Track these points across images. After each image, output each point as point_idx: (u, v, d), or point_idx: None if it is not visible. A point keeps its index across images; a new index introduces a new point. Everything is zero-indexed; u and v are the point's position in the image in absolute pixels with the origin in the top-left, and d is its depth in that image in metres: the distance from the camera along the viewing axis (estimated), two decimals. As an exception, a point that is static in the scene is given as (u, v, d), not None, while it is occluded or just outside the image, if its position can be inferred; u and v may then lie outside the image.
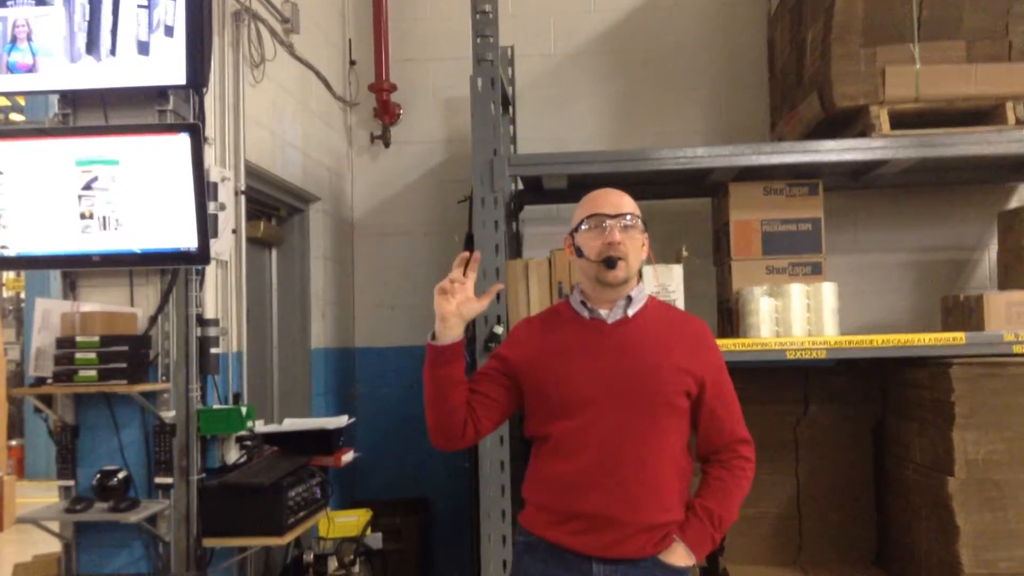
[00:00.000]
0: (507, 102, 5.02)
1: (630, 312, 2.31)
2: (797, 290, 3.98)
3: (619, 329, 2.30)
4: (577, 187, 4.69)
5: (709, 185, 4.57)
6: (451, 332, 2.21)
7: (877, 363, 4.34)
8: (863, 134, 4.03)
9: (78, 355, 3.08)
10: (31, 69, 3.16)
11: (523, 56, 5.30)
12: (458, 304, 2.18)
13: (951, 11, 4.00)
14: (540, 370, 2.29)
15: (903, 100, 3.98)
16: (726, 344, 3.93)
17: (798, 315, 3.96)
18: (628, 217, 2.27)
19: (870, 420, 4.44)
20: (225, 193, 3.46)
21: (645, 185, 4.71)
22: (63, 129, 3.22)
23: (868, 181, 4.69)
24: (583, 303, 2.33)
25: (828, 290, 4.00)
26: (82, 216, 3.13)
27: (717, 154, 4.09)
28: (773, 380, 4.42)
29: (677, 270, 4.00)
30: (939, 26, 4.00)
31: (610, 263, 2.24)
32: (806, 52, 4.38)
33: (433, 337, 2.23)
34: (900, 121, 3.99)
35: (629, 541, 2.20)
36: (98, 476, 3.14)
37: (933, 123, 4.03)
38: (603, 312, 2.31)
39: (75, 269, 3.26)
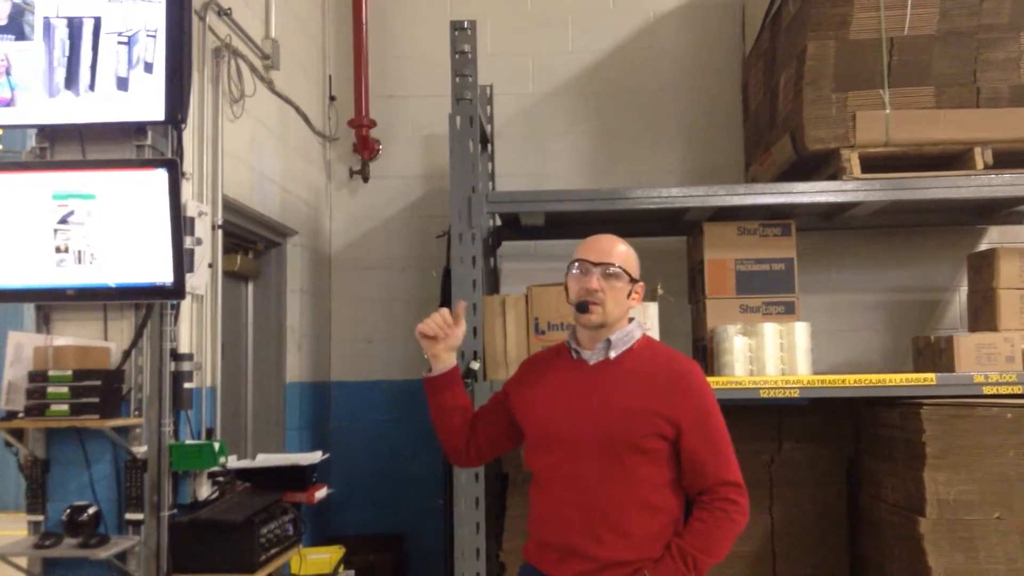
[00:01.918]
0: (486, 139, 5.07)
1: (612, 354, 2.36)
2: (771, 329, 4.02)
3: (599, 371, 2.35)
4: (555, 224, 4.75)
5: (684, 224, 4.63)
6: (442, 363, 2.46)
7: (850, 402, 4.38)
8: (835, 176, 4.10)
9: (50, 389, 3.04)
10: (9, 103, 3.15)
11: (502, 95, 5.36)
12: (444, 342, 2.42)
13: (920, 57, 4.09)
14: (527, 405, 2.42)
15: (873, 144, 4.06)
16: (700, 382, 3.95)
17: (772, 354, 4.00)
18: (612, 267, 2.33)
19: (843, 459, 4.47)
20: (202, 228, 3.46)
21: (621, 223, 4.73)
22: (40, 163, 3.21)
23: (840, 222, 4.77)
24: (567, 343, 2.43)
25: (801, 329, 4.04)
26: (57, 250, 3.12)
27: (692, 194, 4.15)
28: (747, 419, 4.44)
29: (652, 308, 4.04)
30: (908, 72, 4.09)
31: (581, 308, 2.32)
32: (779, 96, 4.46)
33: (428, 370, 2.47)
34: (871, 164, 4.07)
35: (599, 574, 2.26)
36: (68, 511, 3.09)
37: (903, 167, 4.11)
38: (586, 353, 2.38)
39: (49, 303, 3.24)
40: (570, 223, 4.70)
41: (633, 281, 2.36)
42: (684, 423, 2.28)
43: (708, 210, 4.29)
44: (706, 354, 4.28)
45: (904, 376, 3.90)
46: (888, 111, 4.05)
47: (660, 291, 4.21)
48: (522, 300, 4.06)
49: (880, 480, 4.15)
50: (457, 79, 4.04)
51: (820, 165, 4.28)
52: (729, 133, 5.39)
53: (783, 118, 4.40)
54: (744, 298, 4.26)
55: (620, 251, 2.37)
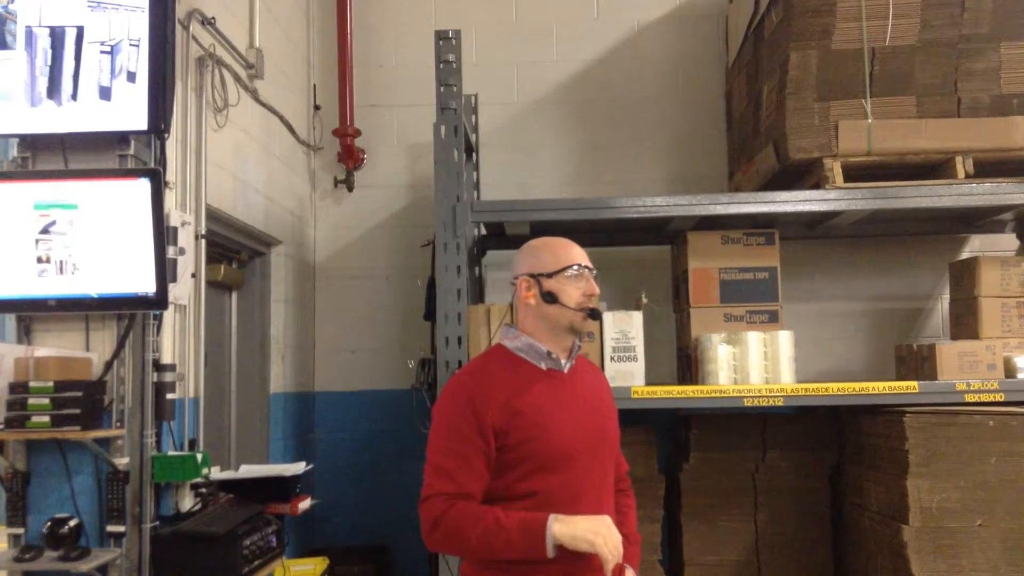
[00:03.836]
0: (470, 149, 5.07)
1: (573, 361, 2.33)
2: (754, 338, 4.04)
3: (573, 378, 2.30)
4: (540, 233, 4.71)
5: (668, 233, 4.64)
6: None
7: (833, 410, 4.40)
8: (817, 186, 4.12)
9: (31, 400, 3.02)
10: (-9, 112, 3.14)
11: (486, 104, 5.37)
12: None
13: (902, 67, 4.12)
14: (519, 427, 2.15)
15: (856, 153, 4.09)
16: (685, 391, 3.97)
17: (755, 362, 4.02)
18: (593, 269, 2.31)
19: (827, 467, 4.49)
20: (185, 237, 3.45)
21: (606, 232, 4.78)
22: (22, 173, 3.19)
23: (823, 231, 4.79)
24: (549, 353, 2.26)
25: (785, 338, 4.06)
26: (39, 260, 3.10)
27: (676, 203, 4.15)
28: (731, 427, 4.46)
29: (637, 317, 4.05)
30: (890, 82, 4.12)
31: (596, 315, 2.25)
32: (762, 105, 4.48)
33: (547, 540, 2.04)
34: (853, 173, 4.09)
35: None
36: (49, 524, 3.07)
37: (885, 176, 4.13)
38: (563, 361, 2.29)
39: (30, 313, 3.22)
40: (555, 232, 4.68)
41: None
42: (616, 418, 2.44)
43: (692, 219, 4.30)
44: (690, 363, 4.29)
45: (887, 384, 3.92)
46: (870, 120, 4.08)
47: (644, 300, 4.22)
48: (507, 309, 4.05)
49: (863, 488, 4.16)
50: (442, 88, 4.06)
51: (803, 174, 4.30)
52: (713, 142, 5.41)
53: (766, 127, 4.42)
54: (728, 307, 4.28)
55: None
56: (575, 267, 2.25)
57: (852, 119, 4.09)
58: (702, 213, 4.12)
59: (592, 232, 4.74)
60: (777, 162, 4.24)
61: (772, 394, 3.90)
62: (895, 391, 3.89)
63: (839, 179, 4.05)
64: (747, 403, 3.90)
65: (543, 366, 2.27)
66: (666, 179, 5.42)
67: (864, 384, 3.93)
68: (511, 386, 2.19)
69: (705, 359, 4.09)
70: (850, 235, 4.95)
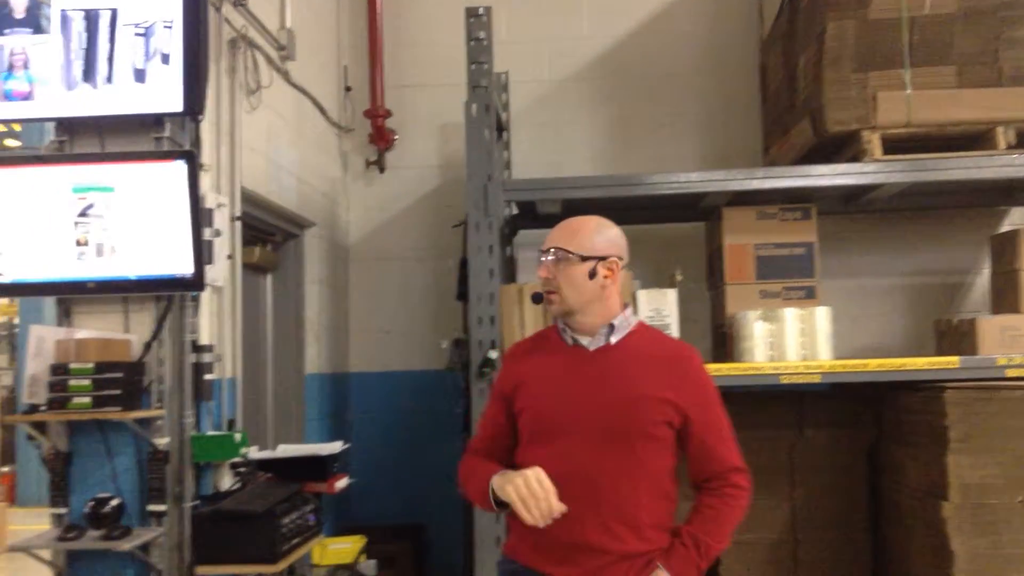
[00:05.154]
0: (501, 127, 5.04)
1: (613, 340, 2.28)
2: (791, 314, 3.99)
3: (601, 357, 2.27)
4: (571, 212, 4.67)
5: (703, 209, 4.59)
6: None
7: (871, 387, 4.35)
8: (855, 159, 4.06)
9: (72, 382, 3.06)
10: (28, 97, 3.15)
11: (517, 82, 5.33)
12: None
13: (942, 36, 4.04)
14: (523, 395, 2.29)
15: (895, 125, 4.01)
16: (720, 368, 3.94)
17: (792, 339, 3.98)
18: (555, 251, 2.25)
19: (865, 444, 4.44)
20: (221, 219, 3.46)
21: (639, 210, 4.74)
22: (59, 156, 3.21)
23: (861, 205, 4.72)
24: (565, 329, 2.31)
25: (822, 314, 4.01)
26: (77, 243, 3.13)
27: (710, 179, 4.12)
28: (768, 404, 4.42)
29: (671, 294, 4.03)
30: (930, 51, 4.04)
31: (536, 298, 2.32)
32: (798, 77, 4.41)
33: (494, 494, 2.18)
34: (892, 146, 4.02)
35: (609, 569, 2.17)
36: (91, 504, 3.11)
37: (925, 148, 4.06)
38: (585, 340, 2.29)
39: (70, 296, 3.25)
40: (587, 210, 4.66)
41: (596, 259, 2.24)
42: (692, 410, 2.24)
43: (727, 195, 4.26)
44: (726, 340, 4.26)
45: (927, 360, 3.87)
46: (909, 91, 4.01)
47: (679, 277, 4.19)
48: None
49: (902, 465, 4.12)
50: (472, 66, 4.04)
51: (840, 147, 4.24)
52: (747, 117, 5.35)
53: (803, 100, 4.36)
54: (764, 283, 4.24)
55: (571, 232, 2.28)
56: (541, 254, 2.31)
57: (891, 90, 4.02)
58: (737, 188, 4.08)
59: (625, 209, 4.69)
60: (814, 135, 4.18)
61: (809, 371, 3.86)
62: (935, 367, 3.83)
63: (878, 151, 3.98)
64: (784, 380, 3.86)
65: (569, 342, 2.33)
66: (699, 155, 5.37)
67: (903, 360, 3.88)
68: (532, 358, 2.36)
69: (741, 336, 4.05)
70: (888, 209, 4.86)
